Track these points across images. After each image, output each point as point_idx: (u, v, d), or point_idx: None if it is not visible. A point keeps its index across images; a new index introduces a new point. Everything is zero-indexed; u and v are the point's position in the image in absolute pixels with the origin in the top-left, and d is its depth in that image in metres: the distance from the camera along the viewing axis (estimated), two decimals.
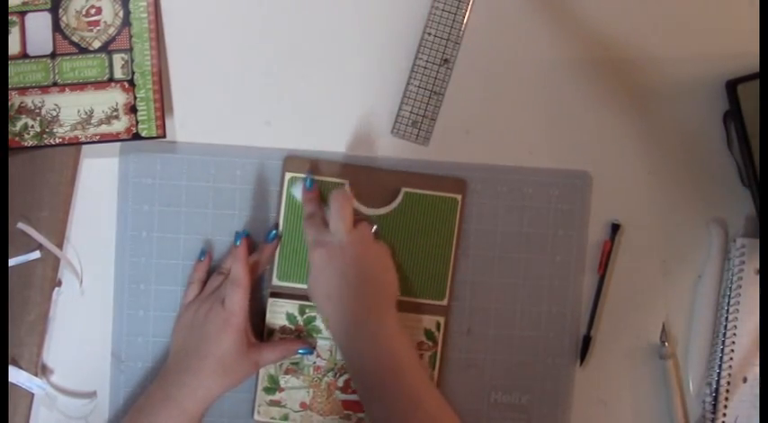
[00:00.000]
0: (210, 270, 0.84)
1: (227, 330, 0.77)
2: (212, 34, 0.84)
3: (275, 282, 0.84)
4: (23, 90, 0.80)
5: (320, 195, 0.83)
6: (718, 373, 0.85)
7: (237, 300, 0.78)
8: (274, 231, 0.83)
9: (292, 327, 0.84)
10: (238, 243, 0.81)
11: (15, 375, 0.81)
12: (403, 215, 0.84)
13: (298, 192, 0.83)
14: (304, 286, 0.84)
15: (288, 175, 0.83)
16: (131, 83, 0.81)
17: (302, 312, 0.84)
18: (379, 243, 0.81)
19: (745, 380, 0.85)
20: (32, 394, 0.83)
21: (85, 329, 0.84)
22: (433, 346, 0.85)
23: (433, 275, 0.84)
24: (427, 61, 0.85)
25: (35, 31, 0.81)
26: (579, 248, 0.86)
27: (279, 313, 0.84)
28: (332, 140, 0.85)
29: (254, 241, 0.83)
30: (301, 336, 0.84)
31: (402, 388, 0.73)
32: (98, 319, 0.84)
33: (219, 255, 0.84)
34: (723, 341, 0.85)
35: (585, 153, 0.87)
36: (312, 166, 0.83)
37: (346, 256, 0.77)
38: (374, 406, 0.74)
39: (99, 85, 0.81)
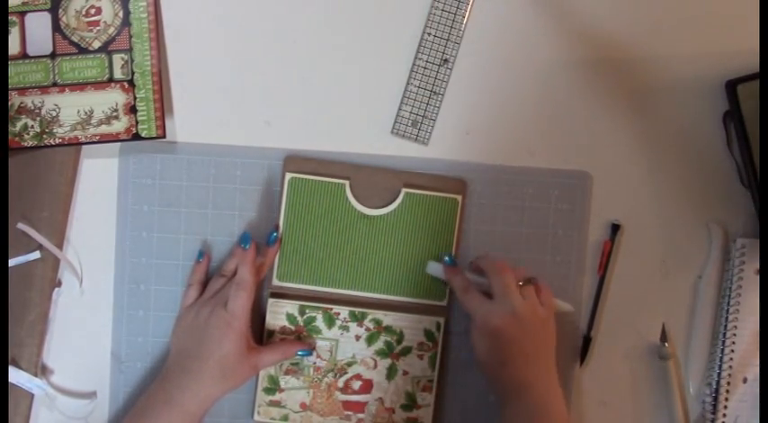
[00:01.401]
0: (209, 270, 0.84)
1: (228, 333, 0.77)
2: (212, 34, 0.84)
3: (275, 282, 0.84)
4: (23, 90, 0.80)
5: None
6: (718, 373, 0.85)
7: (241, 303, 0.78)
8: (275, 233, 0.83)
9: (292, 327, 0.84)
10: (247, 246, 0.81)
11: (15, 376, 0.81)
12: (403, 215, 0.84)
13: (436, 270, 0.83)
14: (304, 287, 0.84)
15: (288, 176, 0.83)
16: (131, 83, 0.81)
17: (302, 313, 0.84)
18: (543, 308, 0.80)
19: (745, 380, 0.85)
20: (32, 394, 0.83)
21: (85, 329, 0.84)
22: (433, 347, 0.85)
23: (434, 276, 0.84)
24: (427, 61, 0.85)
25: (35, 31, 0.81)
26: (579, 248, 0.86)
27: (279, 314, 0.84)
28: (332, 140, 0.85)
29: (258, 243, 0.83)
30: (301, 336, 0.84)
31: None
32: (98, 319, 0.84)
33: (219, 255, 0.84)
34: (723, 341, 0.85)
35: (585, 153, 0.86)
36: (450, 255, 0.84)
37: (519, 325, 0.77)
38: None
39: (99, 85, 0.81)
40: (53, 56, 0.81)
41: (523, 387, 0.77)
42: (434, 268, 0.84)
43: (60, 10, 0.81)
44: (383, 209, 0.84)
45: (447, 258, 0.83)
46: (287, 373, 0.84)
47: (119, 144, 0.83)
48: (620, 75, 0.87)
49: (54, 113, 0.81)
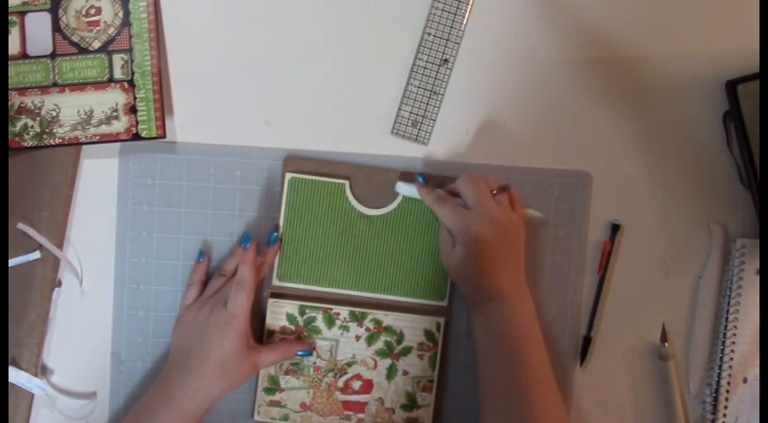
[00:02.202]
0: (210, 271, 0.84)
1: (227, 332, 0.77)
2: (212, 34, 0.84)
3: (275, 282, 0.84)
4: (23, 90, 0.80)
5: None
6: (718, 374, 0.85)
7: (241, 302, 0.78)
8: (275, 233, 0.83)
9: (292, 327, 0.84)
10: (248, 245, 0.81)
11: (15, 376, 0.81)
12: (403, 215, 0.84)
13: (405, 189, 0.83)
14: (304, 287, 0.84)
15: (288, 176, 0.83)
16: (131, 83, 0.81)
17: (302, 313, 0.84)
18: (515, 214, 0.80)
19: (745, 380, 0.85)
20: (32, 395, 0.83)
21: (85, 329, 0.84)
22: (433, 347, 0.85)
23: (434, 276, 0.84)
24: (427, 61, 0.85)
25: (35, 31, 0.81)
26: (579, 249, 0.86)
27: (279, 314, 0.84)
28: (332, 140, 0.85)
29: (258, 243, 0.83)
30: (301, 336, 0.84)
31: (527, 359, 0.76)
32: (98, 319, 0.84)
33: (219, 255, 0.84)
34: (723, 341, 0.85)
35: (585, 153, 0.86)
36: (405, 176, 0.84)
37: (493, 230, 0.77)
38: (497, 370, 0.77)
39: (99, 85, 0.81)
40: (53, 56, 0.81)
41: (497, 292, 0.77)
42: (404, 188, 0.83)
43: (60, 10, 0.81)
44: (383, 209, 0.84)
45: (420, 178, 0.83)
46: (287, 373, 0.84)
47: (119, 144, 0.83)
48: (620, 75, 0.87)
49: (54, 113, 0.81)
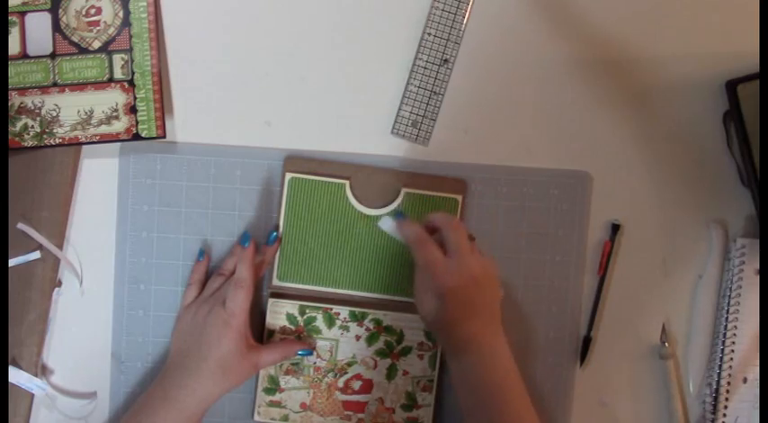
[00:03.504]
0: (209, 271, 0.84)
1: (226, 332, 0.77)
2: (212, 34, 0.84)
3: (275, 282, 0.84)
4: (23, 90, 0.80)
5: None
6: (719, 374, 0.85)
7: (239, 301, 0.78)
8: (275, 233, 0.83)
9: (292, 327, 0.84)
10: (246, 244, 0.81)
11: (15, 376, 0.81)
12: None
13: (386, 225, 0.82)
14: (304, 287, 0.84)
15: (288, 175, 0.83)
16: (131, 83, 0.81)
17: (302, 313, 0.84)
18: (487, 262, 0.79)
19: (745, 380, 0.85)
20: (32, 395, 0.83)
21: (85, 329, 0.84)
22: (433, 346, 0.85)
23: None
24: (427, 61, 0.85)
25: (35, 31, 0.81)
26: (579, 248, 0.86)
27: (279, 314, 0.84)
28: (332, 140, 0.85)
29: (257, 242, 0.83)
30: (301, 336, 0.84)
31: (509, 405, 0.75)
32: (98, 319, 0.84)
33: (219, 255, 0.84)
34: (723, 341, 0.85)
35: (585, 153, 0.86)
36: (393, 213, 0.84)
37: (470, 281, 0.76)
38: (476, 417, 0.75)
39: (99, 85, 0.81)
40: (53, 56, 0.81)
41: (472, 343, 0.76)
42: (387, 224, 0.82)
43: (60, 10, 0.81)
44: (383, 209, 0.84)
45: (399, 214, 0.83)
46: (287, 373, 0.84)
47: (119, 144, 0.83)
48: (620, 75, 0.87)
49: (54, 113, 0.81)
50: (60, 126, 0.81)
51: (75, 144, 0.81)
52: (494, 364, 0.76)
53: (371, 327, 0.84)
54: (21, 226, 0.81)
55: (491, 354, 0.76)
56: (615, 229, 0.86)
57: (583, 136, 0.86)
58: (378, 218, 0.83)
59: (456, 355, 0.77)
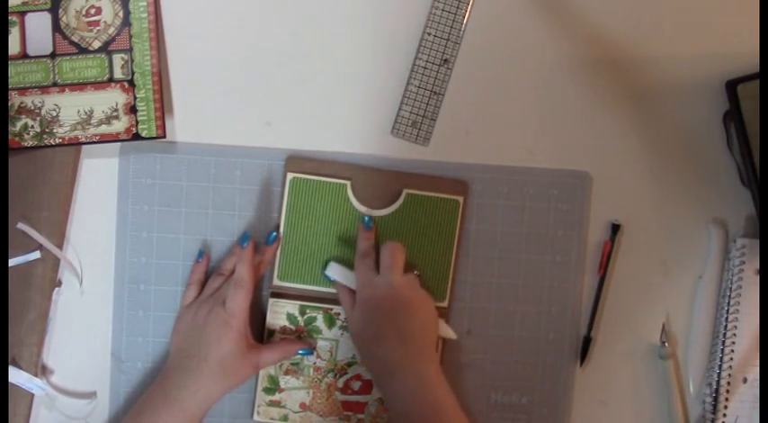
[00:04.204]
0: (209, 271, 0.84)
1: (226, 332, 0.77)
2: (212, 34, 0.84)
3: (276, 282, 0.84)
4: (23, 90, 0.80)
5: (376, 237, 0.84)
6: (718, 374, 0.85)
7: (239, 301, 0.78)
8: (275, 233, 0.83)
9: (293, 327, 0.84)
10: (245, 244, 0.81)
11: (15, 375, 0.81)
12: (404, 216, 0.84)
13: (332, 272, 0.83)
14: (305, 287, 0.84)
15: (289, 176, 0.83)
16: (131, 83, 0.81)
17: (303, 313, 0.84)
18: (424, 291, 0.81)
19: (745, 380, 0.85)
20: (32, 394, 0.83)
21: (85, 329, 0.84)
22: None
23: (434, 277, 0.84)
24: (427, 61, 0.85)
25: (35, 31, 0.81)
26: (579, 249, 0.86)
27: (279, 313, 0.84)
28: (332, 140, 0.85)
29: (257, 242, 0.83)
30: (302, 336, 0.84)
31: (446, 419, 0.74)
32: (98, 319, 0.84)
33: (219, 255, 0.84)
34: (723, 341, 0.85)
35: (585, 153, 0.87)
36: (367, 212, 0.84)
37: (396, 299, 0.78)
38: None
39: (99, 85, 0.81)
40: (53, 56, 0.81)
41: (397, 364, 0.76)
42: (332, 271, 0.83)
43: (60, 10, 0.81)
44: (384, 210, 0.84)
45: (367, 220, 0.83)
46: (287, 373, 0.84)
47: (119, 144, 0.83)
48: (620, 75, 0.87)
49: (54, 113, 0.81)
50: (60, 126, 0.81)
51: (75, 144, 0.81)
52: (423, 381, 0.75)
53: None
54: (21, 226, 0.81)
55: (417, 372, 0.76)
56: (615, 229, 0.86)
57: (583, 136, 0.87)
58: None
59: (383, 378, 0.77)
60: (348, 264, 0.83)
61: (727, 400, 0.85)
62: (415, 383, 0.75)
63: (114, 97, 0.81)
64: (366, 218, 0.83)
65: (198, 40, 0.84)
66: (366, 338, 0.78)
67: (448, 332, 0.83)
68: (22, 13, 0.81)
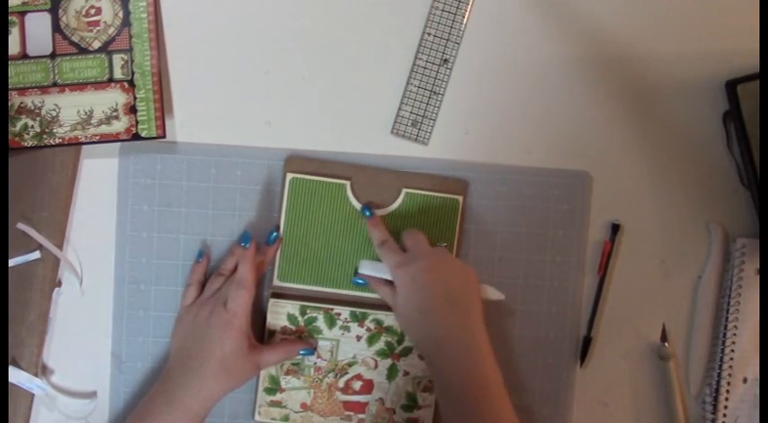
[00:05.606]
0: (209, 271, 0.84)
1: (229, 332, 0.77)
2: (212, 34, 0.84)
3: (276, 282, 0.84)
4: (23, 90, 0.80)
5: (385, 223, 0.83)
6: (719, 373, 0.85)
7: (241, 302, 0.78)
8: (275, 233, 0.83)
9: (293, 327, 0.84)
10: (247, 244, 0.81)
11: (15, 375, 0.81)
12: (404, 216, 0.84)
13: (364, 269, 0.83)
14: (305, 287, 0.84)
15: (289, 176, 0.83)
16: (131, 83, 0.81)
17: (303, 313, 0.84)
18: (460, 260, 0.80)
19: (745, 380, 0.85)
20: (32, 394, 0.83)
21: (85, 329, 0.84)
22: None
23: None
24: (427, 61, 0.85)
25: (35, 31, 0.81)
26: (579, 249, 0.86)
27: (280, 314, 0.84)
28: (332, 140, 0.85)
29: (258, 242, 0.83)
30: (302, 336, 0.84)
31: (489, 410, 0.73)
32: (98, 319, 0.84)
33: (219, 255, 0.84)
34: (723, 341, 0.85)
35: (585, 153, 0.87)
36: (369, 203, 0.84)
37: (432, 269, 0.77)
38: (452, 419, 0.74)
39: (99, 85, 0.81)
40: (53, 56, 0.81)
41: (444, 341, 0.75)
42: (366, 266, 0.83)
43: (60, 10, 0.81)
44: (384, 209, 0.84)
45: (367, 211, 0.83)
46: (288, 373, 0.84)
47: (119, 144, 0.83)
48: (620, 75, 0.87)
49: (54, 113, 0.81)
50: (60, 126, 0.81)
51: (75, 144, 0.81)
52: (469, 367, 0.74)
53: (372, 327, 0.84)
54: (21, 226, 0.81)
55: (469, 349, 0.75)
56: (615, 229, 0.86)
57: (583, 136, 0.87)
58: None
59: (431, 354, 0.76)
60: (374, 258, 0.83)
61: (727, 400, 0.85)
62: (462, 357, 0.74)
63: (114, 97, 0.81)
64: (365, 209, 0.83)
65: (198, 40, 0.84)
66: (412, 317, 0.77)
67: (493, 293, 0.81)
68: (22, 14, 0.80)
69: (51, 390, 0.83)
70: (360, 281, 0.83)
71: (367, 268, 0.82)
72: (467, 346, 0.75)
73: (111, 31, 0.81)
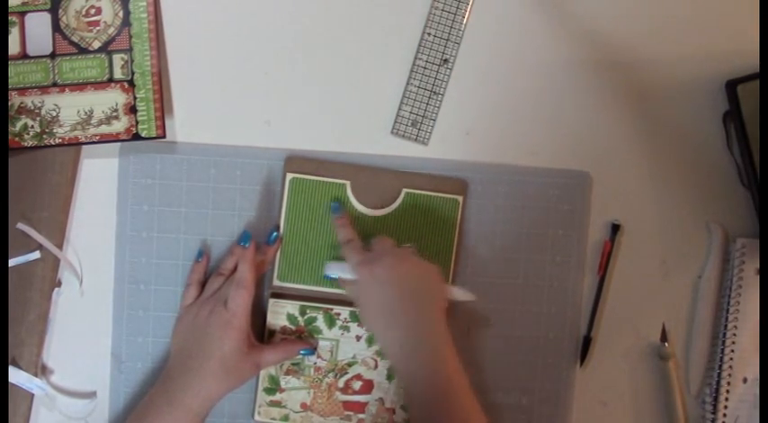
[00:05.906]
0: (209, 271, 0.84)
1: (229, 332, 0.77)
2: (212, 34, 0.84)
3: (276, 282, 0.84)
4: (23, 90, 0.80)
5: (351, 222, 0.83)
6: (719, 373, 0.85)
7: (241, 301, 0.78)
8: (276, 233, 0.83)
9: (293, 327, 0.84)
10: (247, 244, 0.81)
11: (15, 376, 0.81)
12: (404, 216, 0.84)
13: (331, 270, 0.82)
14: (305, 287, 0.84)
15: (289, 176, 0.83)
16: (131, 83, 0.81)
17: (303, 313, 0.84)
18: (425, 261, 0.79)
19: (745, 380, 0.85)
20: (32, 395, 0.83)
21: (85, 329, 0.84)
22: None
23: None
24: (427, 61, 0.85)
25: (35, 31, 0.81)
26: (579, 249, 0.86)
27: (280, 314, 0.84)
28: (332, 140, 0.85)
29: (258, 242, 0.83)
30: (302, 336, 0.84)
31: (454, 411, 0.73)
32: (98, 319, 0.84)
33: (219, 255, 0.84)
34: (723, 341, 0.85)
35: (585, 153, 0.87)
36: (337, 198, 0.84)
37: (396, 269, 0.77)
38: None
39: (99, 85, 0.81)
40: (53, 56, 0.81)
41: (407, 340, 0.74)
42: (334, 268, 0.82)
43: (60, 10, 0.81)
44: (384, 209, 0.84)
45: (334, 207, 0.83)
46: (287, 373, 0.84)
47: (119, 144, 0.83)
48: (620, 75, 0.87)
49: (54, 113, 0.81)
50: (60, 126, 0.81)
51: (75, 144, 0.81)
52: (436, 373, 0.74)
53: None
54: (21, 226, 0.81)
55: (433, 363, 0.74)
56: (615, 229, 0.86)
57: (583, 136, 0.87)
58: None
59: (399, 361, 0.75)
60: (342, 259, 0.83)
61: (727, 400, 0.85)
62: (424, 357, 0.74)
63: (114, 97, 0.81)
64: (333, 205, 0.83)
65: (198, 40, 0.84)
66: (373, 316, 0.77)
67: (461, 295, 0.80)
68: (22, 14, 0.80)
69: (51, 390, 0.83)
70: (329, 276, 0.83)
71: (334, 269, 0.82)
72: (429, 345, 0.75)
73: (111, 31, 0.81)
